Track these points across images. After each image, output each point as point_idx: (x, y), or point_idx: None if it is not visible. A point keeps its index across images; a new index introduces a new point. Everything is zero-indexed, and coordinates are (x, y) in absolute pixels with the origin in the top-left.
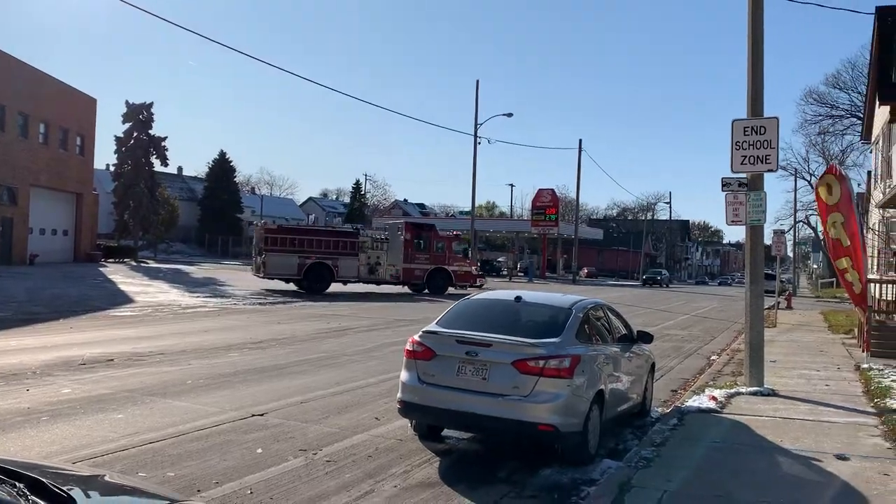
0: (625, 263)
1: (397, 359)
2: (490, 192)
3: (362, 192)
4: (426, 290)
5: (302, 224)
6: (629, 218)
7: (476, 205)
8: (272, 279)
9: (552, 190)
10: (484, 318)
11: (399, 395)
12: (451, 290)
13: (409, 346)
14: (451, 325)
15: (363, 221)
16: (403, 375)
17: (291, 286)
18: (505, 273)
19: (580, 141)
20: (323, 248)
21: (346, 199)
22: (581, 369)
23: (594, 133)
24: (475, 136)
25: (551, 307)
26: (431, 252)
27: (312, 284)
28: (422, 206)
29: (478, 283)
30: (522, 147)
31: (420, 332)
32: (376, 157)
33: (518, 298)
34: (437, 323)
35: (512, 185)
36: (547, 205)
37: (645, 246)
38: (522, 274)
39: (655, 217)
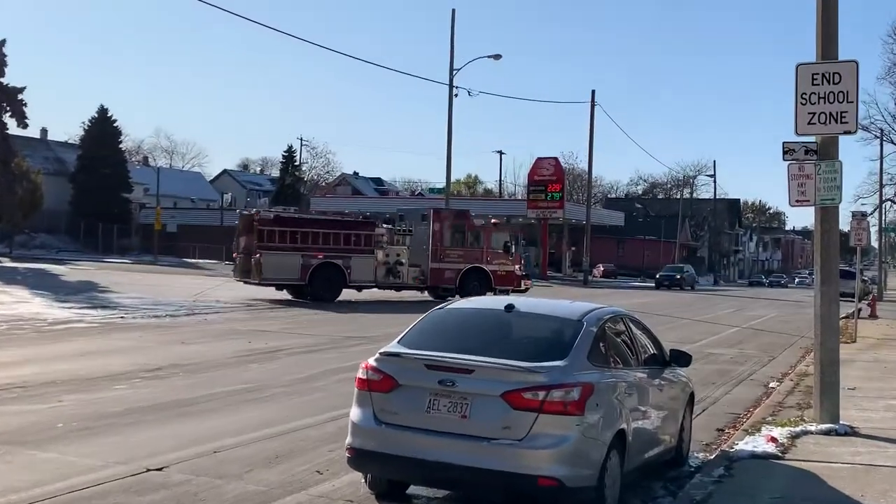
0: (654, 257)
1: (347, 390)
2: (472, 163)
3: (296, 163)
4: (457, 297)
5: (303, 213)
6: (660, 197)
7: (452, 180)
8: (269, 286)
9: (555, 159)
10: (464, 335)
11: (349, 440)
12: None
13: (361, 374)
14: (418, 345)
15: (297, 202)
16: (355, 413)
17: (284, 294)
18: None
19: (593, 93)
20: (332, 245)
21: (276, 173)
22: (595, 402)
23: (611, 85)
24: (450, 85)
25: (555, 319)
26: (465, 246)
27: (319, 291)
28: (378, 181)
29: (522, 287)
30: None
31: (377, 355)
32: (316, 116)
33: (510, 307)
34: (399, 341)
35: (501, 154)
36: (549, 179)
37: (681, 234)
38: None
39: (695, 195)
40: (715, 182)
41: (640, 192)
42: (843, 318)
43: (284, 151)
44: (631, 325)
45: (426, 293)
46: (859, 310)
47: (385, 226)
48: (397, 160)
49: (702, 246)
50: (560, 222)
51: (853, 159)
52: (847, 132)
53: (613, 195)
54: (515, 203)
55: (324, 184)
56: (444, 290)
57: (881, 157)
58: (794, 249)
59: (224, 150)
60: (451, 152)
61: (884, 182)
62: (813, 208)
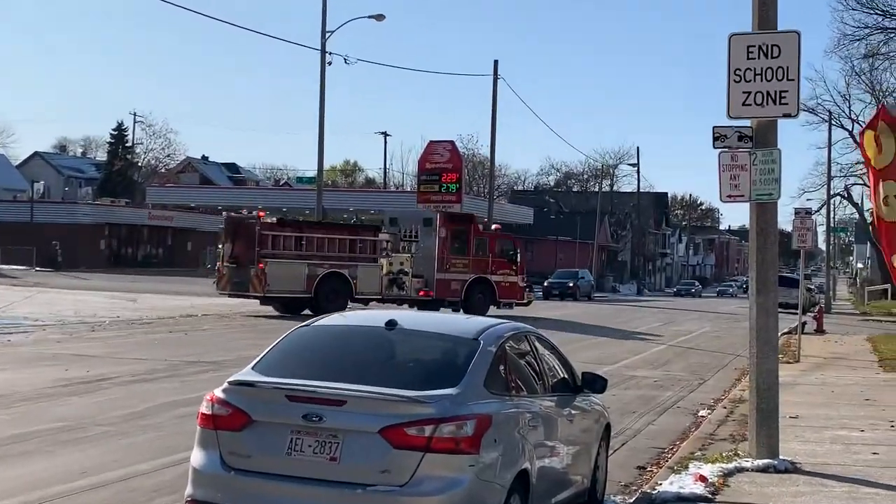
0: (569, 261)
1: (188, 429)
2: (351, 147)
3: (129, 144)
4: (460, 311)
5: (304, 217)
6: (575, 189)
7: (327, 166)
8: (273, 299)
9: (452, 143)
10: (335, 358)
11: (189, 490)
12: (492, 308)
13: (206, 409)
14: (277, 371)
15: (130, 192)
16: (197, 457)
17: (268, 309)
18: None
19: (495, 63)
20: (337, 252)
21: (102, 156)
22: (493, 438)
23: (520, 57)
24: (322, 50)
25: (446, 338)
26: (470, 255)
27: (325, 304)
28: (233, 167)
29: (525, 301)
30: (403, 75)
31: (225, 384)
32: (154, 87)
33: (392, 324)
34: (254, 367)
35: (386, 135)
36: (443, 167)
37: (600, 234)
38: None
39: (616, 188)
40: (638, 172)
41: (552, 183)
42: (784, 333)
43: (113, 130)
44: (537, 345)
45: (414, 308)
46: (804, 324)
47: (389, 231)
48: (257, 142)
49: (624, 248)
50: (389, 215)
51: (797, 147)
52: (787, 115)
53: (521, 187)
54: (403, 195)
55: (164, 169)
56: (451, 303)
57: (829, 145)
58: (729, 252)
59: (35, 128)
60: (323, 133)
61: (832, 174)
62: (748, 205)
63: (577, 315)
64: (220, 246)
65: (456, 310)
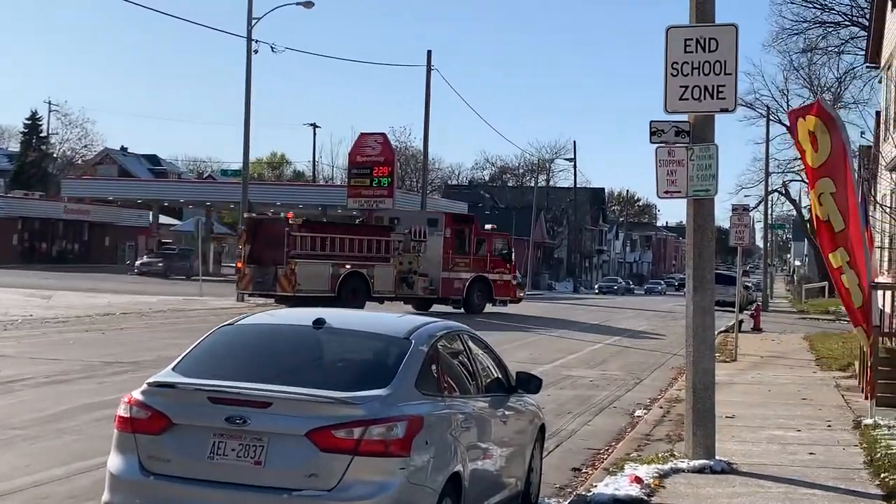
0: None
1: (105, 433)
2: (279, 139)
3: (43, 135)
4: (461, 309)
5: (319, 216)
6: (511, 184)
7: (253, 159)
8: (299, 298)
9: (384, 136)
10: (260, 358)
11: (106, 496)
12: (488, 306)
13: (123, 411)
14: (199, 372)
15: (44, 185)
16: (115, 462)
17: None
18: None
19: (429, 54)
20: (356, 252)
21: (14, 147)
22: (424, 440)
23: (454, 49)
24: (248, 38)
25: (376, 337)
26: (471, 255)
27: (347, 302)
28: (154, 159)
29: (517, 298)
30: (333, 65)
31: (144, 386)
32: (70, 74)
33: (320, 322)
34: (174, 368)
35: (315, 127)
36: (375, 160)
37: (536, 230)
38: None
39: (552, 183)
40: (575, 167)
41: (486, 178)
42: (721, 332)
43: (26, 119)
44: (470, 344)
45: (407, 304)
46: (740, 322)
47: (398, 231)
48: (179, 133)
49: (560, 245)
50: (389, 215)
51: (735, 142)
52: (725, 110)
53: (455, 181)
54: (333, 189)
55: (81, 161)
56: (453, 301)
57: (767, 140)
58: (666, 249)
59: None
60: (249, 124)
61: (770, 170)
62: (685, 201)
63: (511, 314)
64: (240, 246)
65: (458, 308)
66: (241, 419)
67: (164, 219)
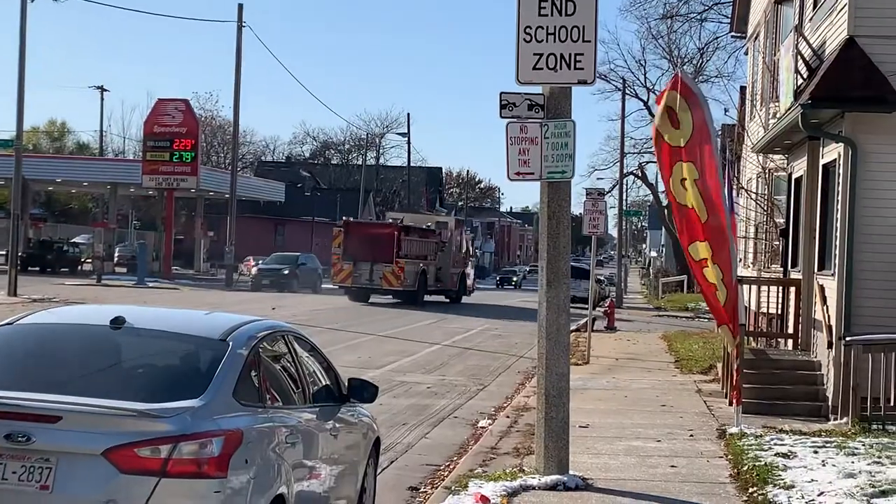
0: (327, 245)
1: None
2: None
3: None
4: (459, 300)
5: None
6: (335, 162)
7: (27, 127)
8: (398, 292)
9: (186, 103)
10: (44, 364)
11: None
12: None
13: None
14: None
15: None
16: None
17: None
18: (90, 268)
19: (240, 7)
20: (424, 251)
21: None
22: (244, 458)
23: (269, 3)
24: None
25: (186, 338)
26: (461, 251)
27: (421, 297)
28: None
29: (470, 290)
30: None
31: None
32: None
33: (118, 321)
34: None
35: (103, 90)
36: (176, 131)
37: (363, 214)
38: (125, 270)
39: (383, 161)
40: (409, 143)
41: (307, 154)
42: (572, 331)
43: None
44: (296, 346)
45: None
46: (594, 320)
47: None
48: None
49: None
50: (192, 195)
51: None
52: (583, 82)
53: (270, 157)
54: (125, 165)
55: None
56: (453, 293)
57: (622, 117)
58: (511, 237)
59: None
60: (24, 85)
61: (626, 150)
62: (538, 184)
63: (336, 312)
64: (336, 246)
65: (453, 299)
66: (23, 436)
67: None
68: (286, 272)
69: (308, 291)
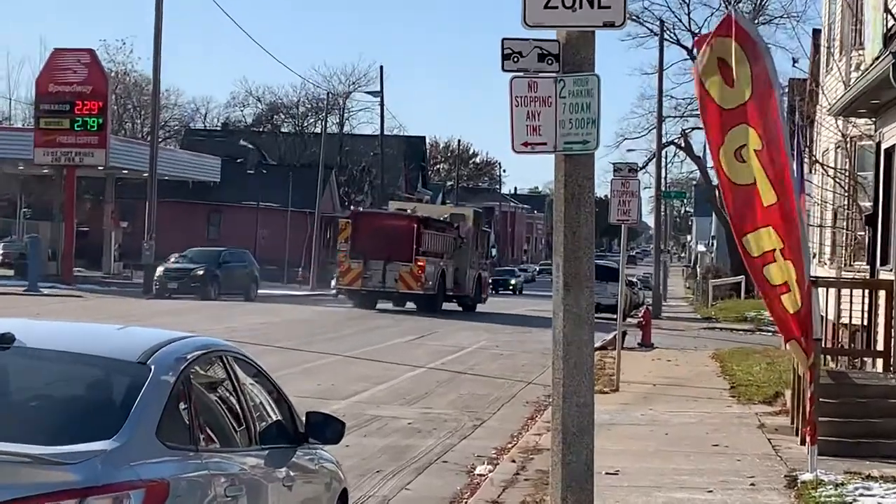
0: (278, 240)
1: None
2: None
3: None
4: (461, 308)
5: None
6: (286, 130)
7: None
8: (417, 297)
9: (91, 54)
10: None
11: None
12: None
13: None
14: None
15: None
16: None
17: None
18: None
19: None
20: (443, 248)
21: None
22: None
23: None
24: None
25: (96, 361)
26: (478, 250)
27: (442, 302)
28: None
29: (485, 297)
30: None
31: None
32: None
33: (5, 340)
34: None
35: None
36: (79, 91)
37: (323, 198)
38: (12, 272)
39: (349, 129)
40: (382, 105)
41: (249, 120)
42: (596, 349)
43: None
44: (237, 370)
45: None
46: (624, 334)
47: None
48: None
49: None
50: (100, 173)
51: (617, 73)
52: (610, 24)
53: (202, 124)
54: (12, 135)
55: None
56: (470, 299)
57: (660, 70)
58: (516, 227)
59: None
60: None
61: (664, 113)
62: (552, 158)
63: (289, 326)
64: (343, 241)
65: (468, 306)
66: None
67: None
68: (200, 273)
69: (239, 298)
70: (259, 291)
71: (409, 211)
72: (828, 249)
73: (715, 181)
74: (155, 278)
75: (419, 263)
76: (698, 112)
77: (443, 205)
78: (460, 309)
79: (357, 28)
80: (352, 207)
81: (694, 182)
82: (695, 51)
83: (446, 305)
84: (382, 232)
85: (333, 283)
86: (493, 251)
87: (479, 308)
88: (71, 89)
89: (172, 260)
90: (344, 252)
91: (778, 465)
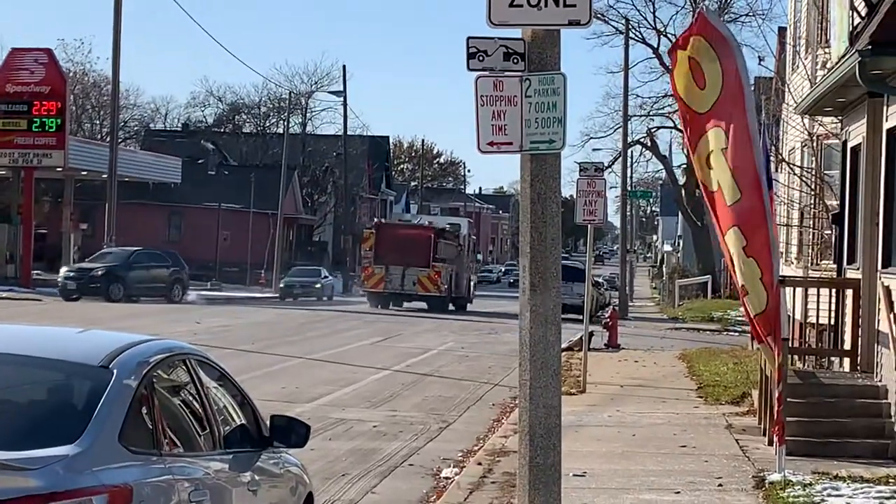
0: (240, 242)
1: None
2: None
3: None
4: (455, 308)
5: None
6: (248, 131)
7: None
8: (435, 298)
9: (48, 53)
10: None
11: None
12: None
13: None
14: None
15: None
16: None
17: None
18: None
19: None
20: (451, 256)
21: None
22: None
23: None
24: None
25: (54, 364)
26: (468, 256)
27: (452, 303)
28: None
29: (472, 296)
30: None
31: None
32: None
33: None
34: None
35: None
36: (35, 91)
37: (285, 200)
38: None
39: (312, 129)
40: (346, 105)
41: (210, 120)
42: (564, 349)
43: None
44: (200, 374)
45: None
46: (591, 335)
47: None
48: None
49: (323, 222)
50: (59, 174)
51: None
52: (575, 22)
53: (162, 125)
54: None
55: None
56: (464, 300)
57: (626, 69)
58: (480, 228)
59: None
60: None
61: (630, 112)
62: (518, 158)
63: (252, 328)
64: (367, 248)
65: (461, 306)
66: None
67: None
68: (99, 273)
69: (161, 301)
70: (207, 293)
71: (427, 223)
72: (794, 249)
73: (681, 180)
74: (58, 279)
75: (436, 269)
76: (665, 110)
77: (441, 218)
78: (454, 308)
79: (320, 26)
80: (375, 219)
81: (660, 181)
82: (667, 59)
83: (414, 304)
84: (403, 241)
85: (359, 287)
86: (479, 256)
87: (450, 307)
88: (28, 89)
89: (87, 261)
90: (368, 259)
91: (746, 465)
